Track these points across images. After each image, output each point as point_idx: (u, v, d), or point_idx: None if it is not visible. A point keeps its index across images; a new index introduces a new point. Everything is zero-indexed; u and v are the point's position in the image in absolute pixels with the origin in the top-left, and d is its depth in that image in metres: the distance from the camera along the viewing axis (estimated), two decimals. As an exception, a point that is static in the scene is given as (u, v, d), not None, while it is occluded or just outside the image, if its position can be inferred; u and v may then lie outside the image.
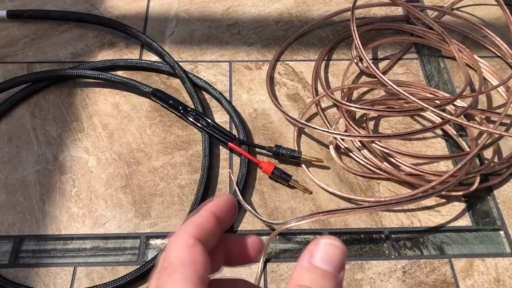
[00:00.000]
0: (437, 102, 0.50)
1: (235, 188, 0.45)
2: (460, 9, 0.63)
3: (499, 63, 0.57)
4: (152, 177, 0.48)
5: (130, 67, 0.56)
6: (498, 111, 0.51)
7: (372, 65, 0.48)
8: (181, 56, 0.58)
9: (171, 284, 0.20)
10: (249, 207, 0.44)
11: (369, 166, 0.48)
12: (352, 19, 0.52)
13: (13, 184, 0.47)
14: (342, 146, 0.49)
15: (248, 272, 0.42)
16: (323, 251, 0.21)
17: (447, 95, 0.52)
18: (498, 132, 0.45)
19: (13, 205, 0.46)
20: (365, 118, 0.51)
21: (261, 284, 0.41)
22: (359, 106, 0.47)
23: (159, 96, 0.52)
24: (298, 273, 0.21)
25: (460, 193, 0.46)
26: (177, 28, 0.61)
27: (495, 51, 0.58)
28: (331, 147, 0.49)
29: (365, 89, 0.55)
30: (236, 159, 0.49)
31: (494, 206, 0.46)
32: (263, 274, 0.42)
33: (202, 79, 0.54)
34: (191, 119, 0.50)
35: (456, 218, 0.45)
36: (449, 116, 0.45)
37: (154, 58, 0.57)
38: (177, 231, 0.22)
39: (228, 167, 0.49)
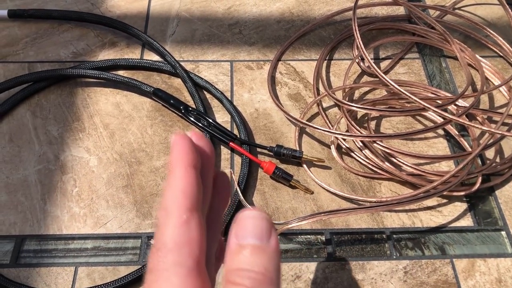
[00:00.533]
0: (439, 102, 0.50)
1: (236, 188, 0.45)
2: (462, 8, 0.63)
3: (501, 63, 0.57)
4: (153, 177, 0.48)
5: (131, 66, 0.56)
6: (500, 111, 0.51)
7: (373, 64, 0.48)
8: (182, 55, 0.58)
9: (164, 268, 0.18)
10: (250, 207, 0.44)
11: (370, 166, 0.48)
12: (353, 18, 0.52)
13: (14, 184, 0.47)
14: (344, 146, 0.49)
15: None
16: (244, 226, 0.19)
17: (449, 95, 0.52)
18: (500, 132, 0.45)
19: (14, 204, 0.46)
20: (366, 118, 0.51)
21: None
22: (361, 106, 0.47)
23: (160, 96, 0.51)
24: (227, 261, 0.19)
25: (462, 193, 0.46)
26: (178, 27, 0.61)
27: (497, 51, 0.58)
28: (332, 147, 0.49)
29: (367, 88, 0.55)
30: (237, 159, 0.49)
31: (495, 207, 0.46)
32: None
33: (203, 78, 0.54)
34: (192, 118, 0.50)
35: (457, 219, 0.45)
36: (450, 116, 0.44)
37: (155, 57, 0.57)
38: (165, 205, 0.19)
39: (229, 167, 0.48)
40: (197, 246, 0.19)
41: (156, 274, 0.18)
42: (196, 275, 0.18)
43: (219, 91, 0.53)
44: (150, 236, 0.44)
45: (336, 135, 0.48)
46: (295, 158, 0.48)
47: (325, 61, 0.57)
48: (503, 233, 0.44)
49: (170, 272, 0.18)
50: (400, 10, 0.63)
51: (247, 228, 0.19)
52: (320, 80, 0.55)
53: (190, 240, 0.19)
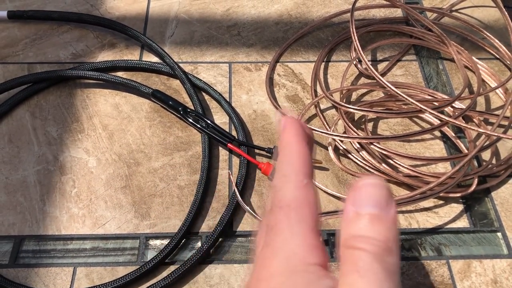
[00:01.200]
0: (436, 103, 0.51)
1: (234, 189, 0.45)
2: (459, 11, 0.64)
3: (498, 65, 0.57)
4: (151, 178, 0.48)
5: (130, 68, 0.56)
6: (496, 113, 0.51)
7: (370, 66, 0.48)
8: (181, 57, 0.58)
9: (288, 224, 0.20)
10: (248, 208, 0.44)
11: (367, 168, 0.48)
12: (351, 20, 0.52)
13: (14, 184, 0.47)
14: (341, 148, 0.50)
15: (247, 273, 0.42)
16: (364, 193, 0.20)
17: (446, 96, 0.52)
18: (496, 134, 0.45)
19: (13, 205, 0.46)
20: (363, 119, 0.51)
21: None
22: (358, 108, 0.48)
23: (159, 97, 0.52)
24: (344, 228, 0.20)
25: (458, 194, 0.46)
26: (177, 29, 0.61)
27: (494, 53, 0.58)
28: (330, 148, 0.49)
29: (364, 90, 0.55)
30: (236, 160, 0.49)
31: (491, 208, 0.46)
32: (261, 275, 0.42)
33: (202, 80, 0.55)
34: (190, 120, 0.50)
35: (454, 220, 0.46)
36: (447, 118, 0.45)
37: (154, 59, 0.58)
38: (284, 171, 0.21)
39: (228, 168, 0.49)
40: (315, 207, 0.20)
41: (279, 229, 0.20)
42: (316, 233, 0.20)
43: (218, 92, 0.53)
44: (148, 237, 0.44)
45: (334, 137, 0.48)
46: (293, 160, 0.48)
47: (323, 63, 0.58)
48: (499, 234, 0.45)
49: (294, 227, 0.20)
50: (397, 12, 0.63)
51: (366, 195, 0.19)
52: (318, 82, 0.55)
53: (310, 201, 0.20)
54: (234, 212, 0.45)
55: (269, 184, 0.21)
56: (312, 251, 0.19)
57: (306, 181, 0.21)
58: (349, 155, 0.49)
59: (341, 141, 0.50)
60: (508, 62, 0.56)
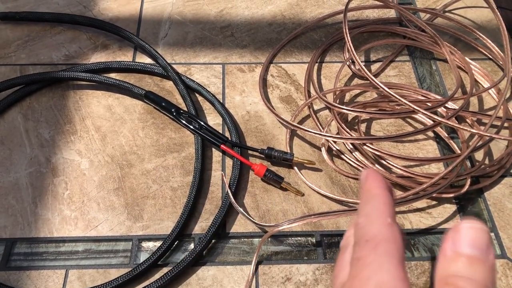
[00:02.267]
0: (429, 104, 0.51)
1: (227, 190, 0.45)
2: (452, 11, 0.64)
3: (491, 65, 0.57)
4: (144, 180, 0.48)
5: (123, 69, 0.56)
6: (489, 113, 0.52)
7: (364, 67, 0.48)
8: (174, 58, 0.58)
9: (377, 256, 0.21)
10: (241, 209, 0.44)
11: (360, 169, 0.48)
12: (344, 21, 0.52)
13: (5, 187, 0.47)
14: (334, 148, 0.50)
15: (240, 275, 0.42)
16: (465, 235, 0.20)
17: (439, 97, 0.52)
18: (488, 135, 0.45)
19: (5, 208, 0.46)
20: (357, 120, 0.51)
21: (253, 286, 0.42)
22: (351, 109, 0.48)
23: (152, 99, 0.52)
24: (442, 265, 0.20)
25: (451, 195, 0.46)
26: (171, 30, 0.61)
27: (487, 54, 0.58)
28: (323, 149, 0.49)
29: (358, 91, 0.55)
30: (229, 162, 0.49)
31: (484, 208, 0.46)
32: (254, 277, 0.42)
33: (195, 81, 0.54)
34: (183, 121, 0.50)
35: (447, 220, 0.46)
36: (440, 119, 0.45)
37: (147, 60, 0.57)
38: (367, 213, 0.23)
39: (221, 170, 0.49)
40: (401, 243, 0.21)
41: (366, 262, 0.21)
42: (403, 267, 0.20)
43: (211, 93, 0.53)
44: (141, 239, 0.44)
45: (327, 138, 0.48)
46: (286, 161, 0.48)
47: (316, 64, 0.58)
48: (492, 234, 0.45)
49: (382, 260, 0.20)
50: (391, 13, 0.63)
51: (467, 237, 0.20)
52: (311, 83, 0.55)
53: (395, 237, 0.21)
54: (227, 213, 0.45)
55: (353, 221, 0.23)
56: (401, 283, 0.20)
57: (390, 220, 0.22)
58: (342, 156, 0.49)
59: (334, 142, 0.50)
60: (500, 62, 0.57)
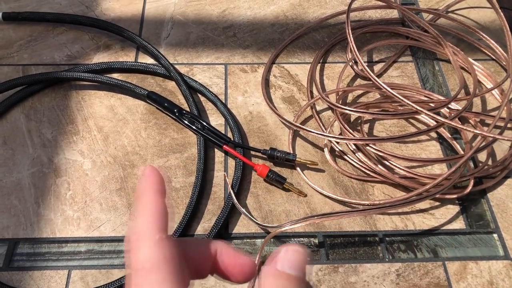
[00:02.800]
0: (432, 105, 0.51)
1: (230, 191, 0.45)
2: (455, 12, 0.64)
3: (494, 66, 0.57)
4: (147, 180, 0.48)
5: (126, 69, 0.56)
6: (492, 114, 0.51)
7: (366, 68, 0.48)
8: (177, 58, 0.58)
9: (149, 286, 0.19)
10: (244, 210, 0.44)
11: (363, 169, 0.48)
12: (347, 22, 0.52)
13: (8, 187, 0.47)
14: (337, 149, 0.49)
15: (243, 275, 0.42)
16: (287, 257, 0.21)
17: (442, 98, 0.52)
18: (492, 135, 0.45)
19: (7, 208, 0.46)
20: (360, 121, 0.51)
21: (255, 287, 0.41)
22: (354, 109, 0.47)
23: (154, 99, 0.52)
24: (265, 280, 0.21)
25: (454, 196, 0.46)
26: (173, 30, 0.61)
27: (490, 54, 0.58)
28: (325, 150, 0.49)
29: (360, 92, 0.55)
30: (231, 162, 0.49)
31: (487, 209, 0.46)
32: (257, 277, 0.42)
33: (197, 81, 0.54)
34: (186, 122, 0.50)
35: (450, 221, 0.45)
36: (443, 119, 0.45)
37: (149, 60, 0.57)
38: (136, 229, 0.20)
39: (223, 170, 0.49)
40: (175, 262, 0.20)
41: None
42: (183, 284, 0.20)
43: (213, 94, 0.53)
44: (143, 239, 0.44)
45: (330, 138, 0.48)
46: (289, 161, 0.48)
47: (319, 64, 0.58)
48: (495, 235, 0.45)
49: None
50: (393, 14, 0.63)
51: (291, 259, 0.21)
52: (313, 83, 0.55)
53: (167, 257, 0.20)
54: (229, 214, 0.45)
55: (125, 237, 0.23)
56: None
57: (159, 236, 0.20)
58: (345, 157, 0.49)
59: (337, 142, 0.49)
60: (504, 63, 0.56)
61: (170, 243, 0.20)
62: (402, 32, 0.60)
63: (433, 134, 0.52)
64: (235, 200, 0.45)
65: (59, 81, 0.55)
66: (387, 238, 0.44)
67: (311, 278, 0.22)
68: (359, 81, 0.56)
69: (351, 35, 0.51)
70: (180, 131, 0.51)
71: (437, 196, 0.44)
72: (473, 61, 0.56)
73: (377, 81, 0.47)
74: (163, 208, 0.21)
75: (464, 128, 0.45)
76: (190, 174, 0.48)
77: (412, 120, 0.53)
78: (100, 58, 0.58)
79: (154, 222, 0.20)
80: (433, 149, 0.50)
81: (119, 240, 0.44)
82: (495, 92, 0.54)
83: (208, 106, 0.54)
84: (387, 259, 0.43)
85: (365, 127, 0.52)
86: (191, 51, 0.59)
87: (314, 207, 0.46)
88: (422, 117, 0.52)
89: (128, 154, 0.50)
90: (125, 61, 0.56)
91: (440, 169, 0.49)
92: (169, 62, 0.54)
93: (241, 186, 0.47)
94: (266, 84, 0.56)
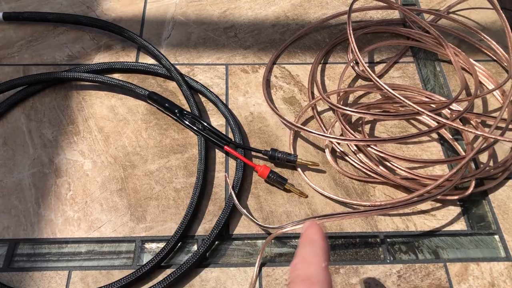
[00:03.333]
0: (433, 106, 0.51)
1: (230, 192, 0.45)
2: (456, 12, 0.64)
3: (495, 67, 0.57)
4: (147, 181, 0.48)
5: (127, 70, 0.56)
6: (493, 115, 0.51)
7: (368, 68, 0.48)
8: (178, 59, 0.58)
9: None
10: (245, 211, 0.44)
11: (364, 170, 0.48)
12: (348, 22, 0.52)
13: (8, 187, 0.47)
14: (338, 150, 0.49)
15: (244, 276, 0.42)
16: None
17: (443, 99, 0.52)
18: (493, 137, 0.45)
19: (8, 208, 0.46)
20: (361, 121, 0.51)
21: (256, 288, 0.41)
22: (355, 110, 0.47)
23: (155, 99, 0.51)
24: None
25: (456, 197, 0.46)
26: (174, 31, 0.61)
27: (491, 55, 0.58)
28: (327, 150, 0.49)
29: (361, 92, 0.55)
30: (232, 163, 0.49)
31: (489, 210, 0.46)
32: (258, 278, 0.42)
33: (198, 82, 0.54)
34: (187, 122, 0.50)
35: (451, 222, 0.45)
36: (444, 120, 0.45)
37: (150, 61, 0.57)
38: (304, 256, 0.26)
39: (224, 171, 0.49)
40: (332, 286, 0.24)
41: None
42: None
43: (214, 94, 0.53)
44: (144, 240, 0.44)
45: (331, 139, 0.48)
46: (290, 162, 0.48)
47: (320, 65, 0.57)
48: (496, 237, 0.44)
49: None
50: (395, 14, 0.63)
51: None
52: (315, 84, 0.55)
53: (329, 281, 0.24)
54: (230, 215, 0.45)
55: (289, 265, 0.27)
56: None
57: (325, 265, 0.25)
58: (346, 158, 0.49)
59: (338, 143, 0.49)
60: (505, 64, 0.56)
61: (330, 274, 0.25)
62: (403, 32, 0.60)
63: (434, 135, 0.51)
64: (236, 201, 0.44)
65: (60, 81, 0.55)
66: (388, 239, 0.44)
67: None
68: (360, 82, 0.56)
69: (352, 36, 0.51)
70: (181, 132, 0.51)
71: (439, 197, 0.44)
72: (474, 62, 0.56)
73: (378, 82, 0.47)
74: (327, 247, 0.26)
75: (466, 129, 0.45)
76: (191, 174, 0.48)
77: (413, 121, 0.53)
78: (101, 58, 0.58)
79: (322, 253, 0.26)
80: (434, 150, 0.50)
81: (120, 241, 0.44)
82: (496, 93, 0.54)
83: (209, 106, 0.54)
84: (388, 261, 0.43)
85: (366, 128, 0.52)
86: (192, 51, 0.59)
87: (315, 208, 0.46)
88: (423, 118, 0.52)
89: (128, 155, 0.49)
90: (126, 62, 0.56)
91: (441, 170, 0.49)
92: (170, 63, 0.54)
93: (242, 187, 0.47)
94: (267, 84, 0.55)
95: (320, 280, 0.24)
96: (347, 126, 0.48)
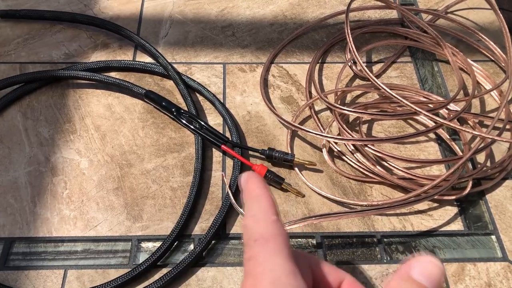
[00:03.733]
0: (431, 106, 0.50)
1: (227, 191, 0.45)
2: (454, 12, 0.64)
3: (493, 67, 0.57)
4: (144, 180, 0.47)
5: (124, 68, 0.56)
6: (491, 115, 0.51)
7: (365, 68, 0.48)
8: (175, 57, 0.58)
9: (266, 253, 0.22)
10: (241, 210, 0.44)
11: (362, 170, 0.48)
12: (346, 22, 0.52)
13: (4, 186, 0.47)
14: (335, 150, 0.49)
15: (240, 276, 0.42)
16: (423, 266, 0.22)
17: (441, 98, 0.52)
18: (491, 137, 0.45)
19: (3, 207, 0.46)
20: (358, 121, 0.51)
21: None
22: (353, 110, 0.47)
23: (152, 98, 0.51)
24: (395, 283, 0.22)
25: (453, 197, 0.46)
26: (171, 29, 0.61)
27: (489, 55, 0.58)
28: (324, 150, 0.49)
29: (359, 92, 0.55)
30: (229, 162, 0.49)
31: (486, 211, 0.46)
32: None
33: (195, 81, 0.54)
34: (184, 121, 0.50)
35: (448, 223, 0.45)
36: (442, 120, 0.45)
37: (147, 59, 0.57)
38: (253, 213, 0.24)
39: (221, 170, 0.48)
40: (287, 238, 0.23)
41: (258, 260, 0.22)
42: (293, 260, 0.22)
43: (212, 93, 0.53)
44: (140, 239, 0.44)
45: (328, 139, 0.48)
46: (287, 161, 0.48)
47: (318, 64, 0.57)
48: (493, 237, 0.44)
49: (273, 256, 0.22)
50: (393, 14, 0.63)
51: (426, 269, 0.22)
52: (312, 83, 0.55)
53: (281, 233, 0.23)
54: (227, 214, 0.45)
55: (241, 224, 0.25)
56: (295, 276, 0.22)
57: (275, 218, 0.24)
58: (344, 157, 0.49)
59: (336, 143, 0.49)
60: (503, 64, 0.56)
61: (282, 224, 0.24)
62: (401, 32, 0.60)
63: (432, 135, 0.51)
64: (233, 200, 0.44)
65: (57, 80, 0.54)
66: (385, 239, 0.44)
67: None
68: (357, 82, 0.56)
69: (350, 35, 0.51)
70: (178, 131, 0.51)
71: (436, 197, 0.44)
72: (472, 62, 0.56)
73: (376, 82, 0.47)
74: (273, 198, 0.25)
75: (463, 129, 0.45)
76: (187, 173, 0.48)
77: (410, 121, 0.53)
78: (98, 56, 0.58)
79: (269, 207, 0.24)
80: (432, 150, 0.50)
81: (116, 239, 0.44)
82: (494, 93, 0.54)
83: (206, 105, 0.53)
84: (385, 260, 0.43)
85: (364, 128, 0.52)
86: (190, 50, 0.58)
87: (312, 207, 0.46)
88: (421, 118, 0.52)
89: (125, 153, 0.49)
90: (123, 60, 0.56)
91: (438, 170, 0.49)
92: (167, 61, 0.54)
93: (239, 186, 0.47)
94: (265, 84, 0.55)
95: (272, 235, 0.23)
96: (344, 126, 0.48)
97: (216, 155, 0.50)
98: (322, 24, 0.62)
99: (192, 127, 0.49)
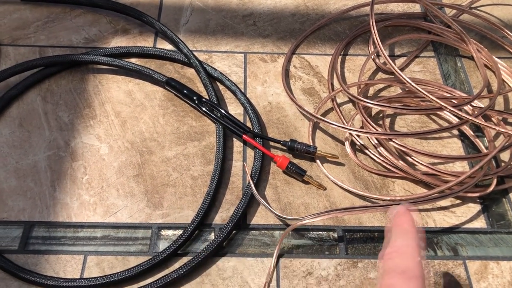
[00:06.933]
0: (454, 101, 0.50)
1: (249, 181, 0.45)
2: (478, 8, 0.63)
3: (517, 65, 0.56)
4: (164, 167, 0.47)
5: (144, 54, 0.55)
6: (515, 113, 0.51)
7: (390, 61, 0.47)
8: (196, 45, 0.57)
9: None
10: (263, 201, 0.43)
11: (384, 164, 0.47)
12: (371, 14, 0.51)
13: (24, 169, 0.47)
14: (358, 143, 0.49)
15: (261, 267, 0.42)
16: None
17: (464, 95, 0.51)
18: (517, 135, 0.44)
19: (23, 190, 0.45)
20: (381, 115, 0.51)
21: (274, 279, 0.41)
22: (377, 103, 0.47)
23: (173, 86, 0.51)
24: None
25: (476, 194, 0.45)
26: (192, 17, 0.60)
27: (513, 52, 0.57)
28: (346, 143, 0.49)
29: (381, 86, 0.54)
30: (250, 152, 0.48)
31: (509, 209, 0.46)
32: (275, 270, 0.41)
33: (217, 69, 0.54)
34: (205, 109, 0.49)
35: (471, 220, 0.45)
36: (468, 117, 0.44)
37: (168, 46, 0.57)
38: (399, 248, 0.26)
39: (241, 160, 0.48)
40: (427, 282, 0.25)
41: None
42: None
43: (233, 82, 0.52)
44: (160, 227, 0.44)
45: (352, 131, 0.47)
46: (309, 154, 0.47)
47: (340, 56, 0.57)
48: (516, 236, 0.44)
49: None
50: (416, 8, 0.62)
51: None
52: (335, 75, 0.54)
53: (423, 275, 0.25)
54: (248, 204, 0.44)
55: (379, 254, 0.27)
56: None
57: (419, 259, 0.26)
58: (366, 151, 0.48)
59: (358, 136, 0.49)
60: (528, 61, 0.56)
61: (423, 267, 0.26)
62: (424, 26, 0.59)
63: (455, 131, 0.51)
64: (255, 190, 0.44)
65: (77, 64, 0.54)
66: (407, 235, 0.44)
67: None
68: (380, 75, 0.55)
69: (375, 28, 0.50)
70: (199, 119, 0.51)
71: (459, 194, 0.44)
72: (497, 59, 0.55)
73: (401, 75, 0.47)
74: (419, 238, 0.27)
75: (489, 125, 0.45)
76: (208, 163, 0.47)
77: (433, 116, 0.52)
78: (118, 42, 0.57)
79: (417, 247, 0.26)
80: (455, 147, 0.50)
81: (136, 227, 0.44)
82: (519, 91, 0.54)
83: (227, 95, 0.53)
84: (406, 256, 0.43)
85: (386, 122, 0.51)
86: (210, 38, 0.58)
87: (334, 200, 0.46)
88: (444, 113, 0.51)
89: (145, 140, 0.49)
90: (144, 46, 0.55)
91: (461, 167, 0.48)
92: (188, 49, 0.54)
93: (259, 177, 0.46)
94: (286, 74, 0.55)
95: (416, 276, 0.24)
96: (368, 119, 0.48)
97: (237, 145, 0.49)
98: (345, 16, 0.61)
99: (213, 115, 0.49)
